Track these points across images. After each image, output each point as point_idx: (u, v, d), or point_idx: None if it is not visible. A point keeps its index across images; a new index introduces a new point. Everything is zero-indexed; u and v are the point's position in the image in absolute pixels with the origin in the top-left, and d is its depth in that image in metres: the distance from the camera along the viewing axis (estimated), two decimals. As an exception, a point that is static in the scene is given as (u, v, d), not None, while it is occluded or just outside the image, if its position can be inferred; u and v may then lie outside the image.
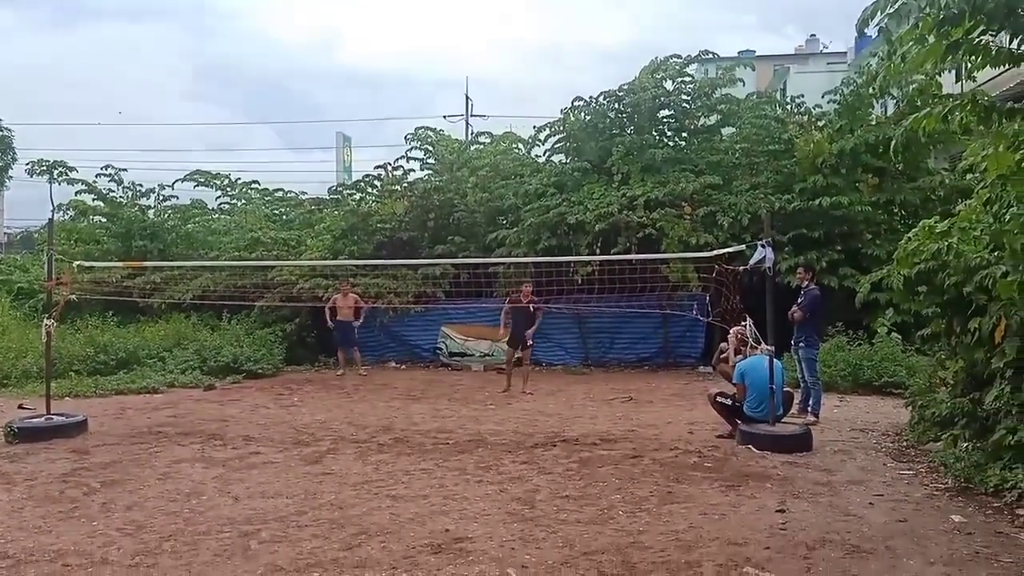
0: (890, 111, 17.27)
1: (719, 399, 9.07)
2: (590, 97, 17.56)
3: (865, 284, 9.24)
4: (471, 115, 39.98)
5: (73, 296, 10.91)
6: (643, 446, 8.56)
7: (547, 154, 18.91)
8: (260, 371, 15.22)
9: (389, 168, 20.05)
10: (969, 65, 5.53)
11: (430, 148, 21.35)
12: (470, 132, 34.47)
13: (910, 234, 7.69)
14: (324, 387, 14.04)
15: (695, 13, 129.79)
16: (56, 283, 10.23)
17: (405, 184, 19.35)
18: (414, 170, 20.45)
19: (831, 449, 8.34)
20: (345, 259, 16.71)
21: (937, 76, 7.43)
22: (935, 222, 7.50)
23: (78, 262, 11.98)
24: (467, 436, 9.31)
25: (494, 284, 16.38)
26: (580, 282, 15.07)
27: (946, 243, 7.05)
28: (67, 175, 20.60)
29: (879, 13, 5.09)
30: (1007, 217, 5.99)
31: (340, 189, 21.75)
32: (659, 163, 16.26)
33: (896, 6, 5.04)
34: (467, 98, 40.42)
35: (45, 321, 9.82)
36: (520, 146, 20.87)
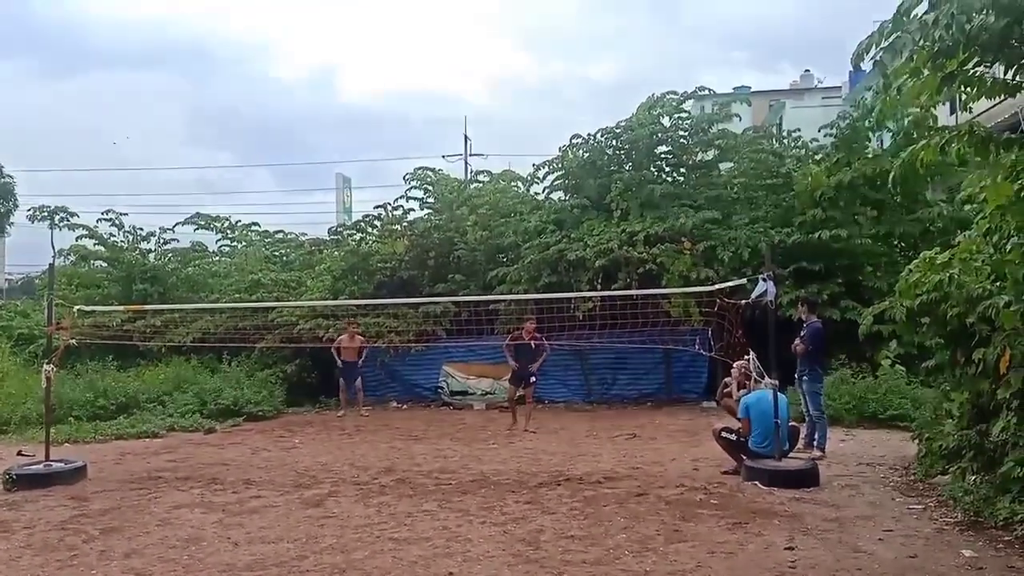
0: (886, 144, 17.39)
1: (724, 434, 8.99)
2: (588, 134, 17.71)
3: (868, 316, 9.20)
4: (470, 154, 40.31)
5: (73, 341, 10.87)
6: (648, 484, 8.47)
7: (546, 191, 19.02)
8: (261, 413, 15.11)
9: (389, 208, 20.15)
10: (964, 96, 5.56)
11: (429, 187, 21.45)
12: (469, 171, 34.70)
13: (911, 265, 7.68)
14: (325, 428, 13.94)
15: (689, 49, 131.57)
16: (56, 328, 10.20)
17: (405, 223, 19.42)
18: (414, 209, 20.56)
19: (838, 484, 8.24)
20: (345, 299, 16.71)
21: (932, 108, 7.49)
22: (936, 253, 7.50)
23: (79, 306, 11.98)
24: (470, 476, 9.21)
25: (495, 322, 16.34)
26: (581, 318, 15.03)
27: (947, 274, 7.03)
28: (68, 220, 20.70)
29: (874, 47, 5.12)
30: (1008, 247, 5.98)
31: (340, 229, 21.83)
32: (658, 199, 16.32)
33: (891, 40, 5.07)
34: (466, 137, 40.80)
35: (45, 366, 9.77)
36: (519, 184, 20.98)
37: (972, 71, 5.31)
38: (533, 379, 13.44)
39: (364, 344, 15.79)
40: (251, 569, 5.77)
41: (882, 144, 17.82)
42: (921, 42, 5.04)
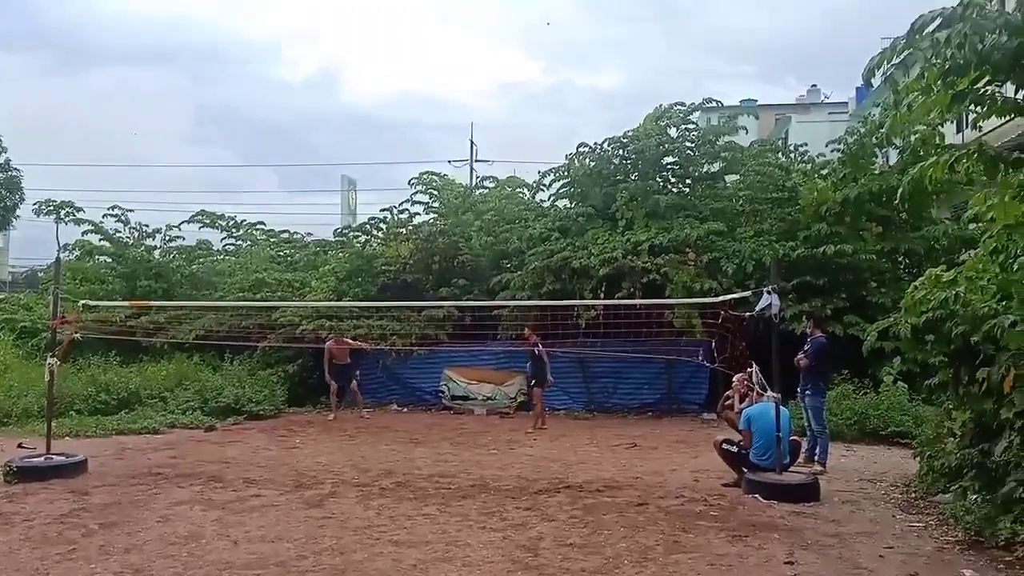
0: (892, 161, 17.41)
1: (725, 446, 8.98)
2: (595, 143, 17.75)
3: (872, 332, 9.22)
4: (476, 160, 40.38)
5: (78, 335, 10.89)
6: (648, 493, 8.46)
7: (552, 199, 19.07)
8: (261, 412, 15.12)
9: (394, 211, 20.23)
10: (974, 115, 5.58)
11: (435, 192, 21.55)
12: (475, 177, 34.77)
13: (917, 282, 7.67)
14: (326, 429, 13.94)
15: (696, 61, 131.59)
16: (61, 322, 10.22)
17: (410, 227, 19.46)
18: (419, 214, 20.65)
19: (839, 499, 8.23)
20: (349, 301, 16.73)
21: (940, 126, 7.51)
22: (941, 271, 7.50)
23: (83, 301, 11.98)
24: (470, 481, 9.20)
25: (498, 327, 16.35)
26: (584, 326, 15.06)
27: (953, 292, 7.03)
28: (74, 215, 20.78)
29: (885, 63, 5.15)
30: (1015, 267, 5.99)
31: (345, 231, 21.88)
32: (663, 209, 16.34)
33: (902, 56, 5.10)
34: (472, 143, 40.86)
35: (49, 359, 9.79)
36: (524, 190, 21.06)
37: (983, 90, 5.34)
38: (532, 382, 13.95)
39: (352, 345, 15.71)
40: (250, 568, 5.77)
41: (888, 161, 17.84)
42: (933, 60, 5.07)
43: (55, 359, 9.81)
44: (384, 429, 14.00)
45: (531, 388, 13.76)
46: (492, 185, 22.68)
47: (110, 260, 20.98)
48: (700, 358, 13.86)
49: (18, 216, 29.80)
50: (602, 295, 15.91)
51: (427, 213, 20.87)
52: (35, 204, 21.63)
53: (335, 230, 22.53)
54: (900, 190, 6.49)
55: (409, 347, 16.64)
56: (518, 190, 21.38)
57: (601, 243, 15.93)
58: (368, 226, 20.69)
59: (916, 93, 5.52)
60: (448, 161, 39.99)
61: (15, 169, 29.05)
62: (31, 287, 27.52)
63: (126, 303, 16.48)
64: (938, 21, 4.97)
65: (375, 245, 19.50)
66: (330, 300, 17.07)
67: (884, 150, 16.78)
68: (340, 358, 15.54)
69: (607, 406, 16.31)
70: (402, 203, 20.66)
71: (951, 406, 8.38)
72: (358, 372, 16.01)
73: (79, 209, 20.92)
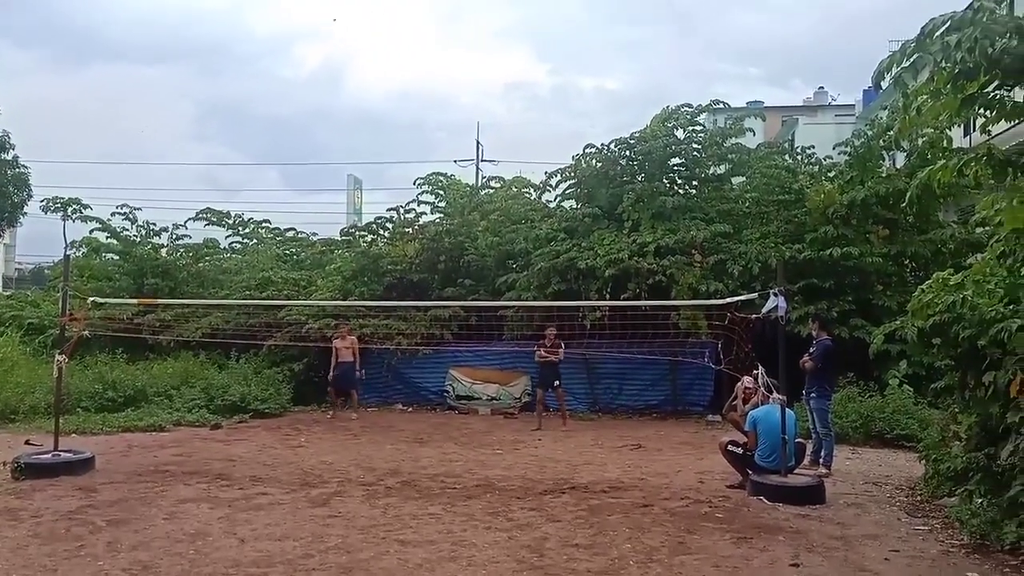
0: (899, 164, 17.39)
1: (730, 447, 8.98)
2: (602, 144, 17.73)
3: (879, 335, 9.20)
4: (482, 160, 40.41)
5: (85, 332, 10.93)
6: (653, 495, 8.47)
7: (558, 200, 19.03)
8: (267, 411, 15.16)
9: (401, 211, 20.24)
10: (983, 119, 5.58)
11: (441, 192, 21.56)
12: (481, 177, 34.78)
13: (924, 286, 7.67)
14: (331, 428, 13.97)
15: (703, 63, 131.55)
16: (70, 319, 10.26)
17: (416, 227, 19.47)
18: (425, 213, 20.66)
19: (844, 502, 8.23)
20: (355, 300, 16.75)
21: (948, 129, 7.51)
22: (949, 274, 7.50)
23: (92, 298, 12.03)
24: (475, 481, 9.22)
25: (503, 328, 16.36)
26: (589, 327, 15.06)
27: (960, 295, 7.03)
28: (81, 212, 20.82)
29: (895, 66, 5.16)
30: (1022, 271, 5.98)
31: (351, 231, 21.90)
32: (670, 210, 16.32)
33: (912, 60, 5.10)
34: (478, 143, 40.97)
35: (57, 356, 9.83)
36: (530, 191, 21.04)
37: (992, 94, 5.34)
38: (558, 383, 14.32)
39: (355, 346, 15.75)
40: (257, 566, 5.80)
41: (895, 164, 17.81)
42: (943, 63, 5.07)
43: (63, 356, 9.85)
44: (389, 428, 14.03)
45: (557, 388, 14.28)
46: (498, 185, 22.67)
47: (117, 258, 21.03)
48: (706, 359, 13.87)
49: (25, 213, 29.77)
50: (608, 296, 15.89)
51: (433, 213, 20.92)
52: (43, 201, 21.65)
53: (341, 229, 22.56)
54: (908, 193, 6.49)
55: (414, 347, 16.66)
56: (524, 190, 21.37)
57: (607, 244, 15.92)
58: (374, 225, 20.71)
59: (925, 96, 5.53)
60: (454, 161, 40.06)
61: (23, 166, 29.03)
62: (38, 284, 27.62)
63: (133, 301, 16.51)
64: (948, 24, 4.97)
65: (381, 244, 19.52)
66: (336, 299, 17.08)
67: (891, 153, 16.77)
68: (343, 355, 15.58)
69: (612, 407, 16.32)
70: (408, 203, 20.68)
71: (957, 410, 8.37)
72: (362, 371, 16.04)
73: (86, 206, 20.96)
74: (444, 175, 22.50)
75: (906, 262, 15.49)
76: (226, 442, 12.08)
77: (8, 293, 26.78)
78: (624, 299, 15.06)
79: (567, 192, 18.58)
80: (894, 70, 5.28)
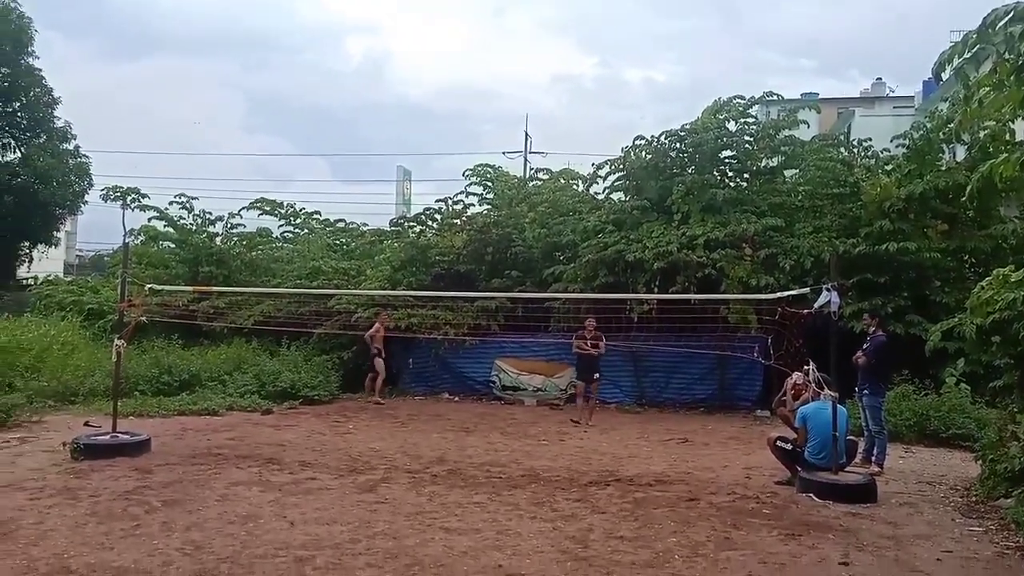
0: (959, 157, 16.92)
1: (779, 443, 8.87)
2: (652, 136, 17.60)
3: (936, 332, 9.02)
4: (530, 151, 40.33)
5: (143, 318, 11.22)
6: (699, 489, 8.41)
7: (606, 192, 18.93)
8: (316, 397, 15.40)
9: (449, 202, 20.36)
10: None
11: (489, 184, 21.64)
12: (529, 169, 34.75)
13: (983, 282, 7.48)
14: (379, 415, 14.14)
15: (753, 55, 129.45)
16: (128, 305, 10.54)
17: (464, 218, 19.57)
18: (473, 205, 20.77)
19: (896, 501, 8.07)
20: (403, 289, 16.91)
21: (1010, 122, 7.30)
22: (1010, 271, 7.30)
23: (149, 285, 12.34)
24: (520, 471, 9.26)
25: (550, 319, 16.36)
26: (636, 320, 14.99)
27: (1021, 293, 6.84)
28: (139, 201, 21.39)
29: (956, 57, 5.02)
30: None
31: (400, 221, 22.10)
32: (720, 203, 16.14)
33: (974, 51, 4.97)
34: (526, 134, 40.81)
35: (116, 341, 10.10)
36: (578, 183, 20.98)
37: (1058, 85, 5.17)
38: (597, 376, 13.85)
39: (379, 331, 16.03)
40: (306, 548, 5.91)
41: (954, 157, 17.33)
42: (1006, 54, 4.93)
43: (122, 341, 10.12)
44: (436, 417, 14.15)
45: (594, 380, 13.97)
46: (546, 177, 22.66)
47: (173, 246, 21.57)
48: (755, 354, 13.69)
49: (87, 201, 30.64)
50: (656, 289, 15.80)
51: (481, 204, 21.01)
52: (103, 190, 22.32)
53: (390, 220, 22.84)
54: (968, 187, 6.32)
55: (461, 336, 16.76)
56: (572, 182, 21.33)
57: (656, 237, 15.80)
58: (423, 216, 20.89)
59: (988, 88, 5.37)
60: (502, 152, 40.20)
61: (84, 155, 29.86)
62: (98, 270, 28.40)
63: (189, 288, 16.90)
64: (1011, 15, 4.82)
65: (429, 235, 19.68)
66: (385, 289, 17.27)
67: (951, 146, 16.33)
68: (376, 341, 15.80)
69: (659, 401, 16.21)
70: (456, 194, 20.81)
71: (1016, 409, 8.16)
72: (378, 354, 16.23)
73: (144, 195, 21.56)
74: (492, 167, 22.59)
75: (965, 258, 15.10)
76: (277, 427, 12.30)
77: (69, 279, 27.57)
78: (673, 292, 14.95)
79: (616, 184, 18.48)
80: (955, 61, 5.14)
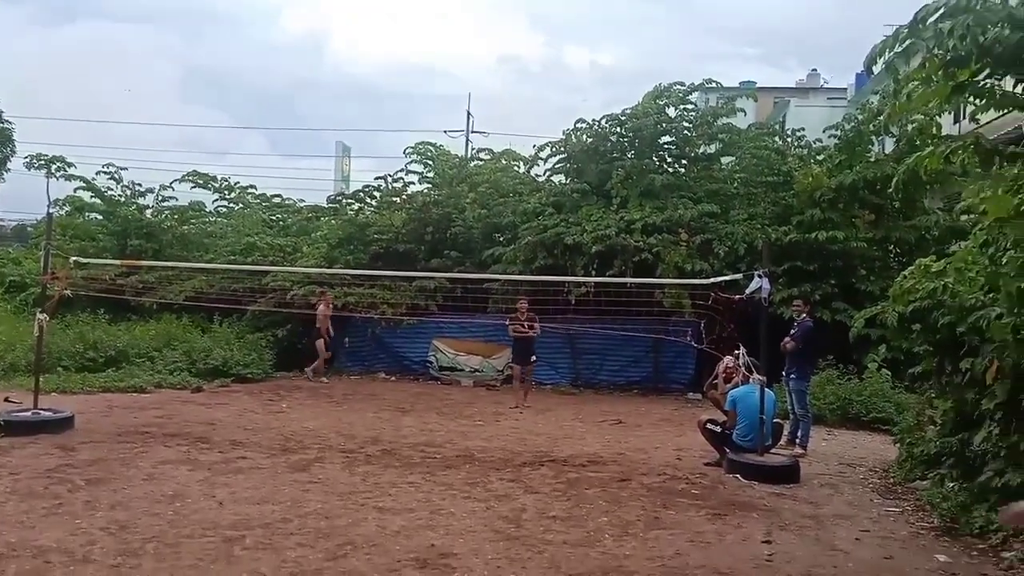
0: (887, 149, 17.42)
1: (708, 425, 9.07)
2: (593, 119, 17.66)
3: (860, 319, 9.30)
4: (472, 131, 40.03)
5: (67, 292, 10.84)
6: (631, 470, 8.55)
7: (547, 174, 18.97)
8: (249, 375, 15.17)
9: (389, 180, 20.13)
10: (973, 107, 5.59)
11: (430, 162, 21.45)
12: (470, 148, 34.53)
13: (906, 272, 7.74)
14: (313, 394, 13.99)
15: (697, 41, 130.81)
16: (51, 278, 10.19)
17: (404, 196, 19.39)
18: (413, 183, 20.56)
19: (818, 482, 8.34)
20: (340, 268, 16.71)
21: (937, 117, 7.52)
22: (931, 261, 7.56)
23: (74, 257, 11.94)
24: (455, 451, 9.27)
25: (488, 300, 16.37)
26: (574, 303, 15.11)
27: (942, 283, 7.10)
28: (65, 170, 20.60)
29: (887, 52, 5.14)
30: (1004, 260, 6.03)
31: (339, 198, 21.78)
32: (658, 188, 16.33)
33: (904, 45, 5.09)
34: (468, 114, 40.38)
35: (39, 315, 9.77)
36: (520, 164, 20.95)
37: (983, 82, 5.34)
38: (534, 358, 13.82)
39: (324, 311, 15.93)
40: (235, 528, 5.82)
41: (883, 149, 17.84)
42: (935, 49, 5.06)
43: (45, 315, 9.79)
44: (371, 397, 14.06)
45: (532, 363, 13.86)
46: (487, 157, 22.56)
47: (101, 217, 20.88)
48: (689, 338, 13.94)
49: (9, 169, 29.36)
50: (594, 272, 15.93)
51: (421, 183, 20.81)
52: (26, 158, 21.40)
53: (328, 196, 22.48)
54: (895, 179, 6.51)
55: (399, 316, 16.66)
56: (513, 163, 21.30)
57: (595, 220, 15.91)
58: (362, 194, 20.62)
59: (916, 82, 5.52)
60: (444, 131, 39.51)
61: (7, 121, 28.57)
62: (20, 241, 27.34)
63: (116, 262, 16.41)
64: (942, 11, 4.95)
65: (368, 213, 19.47)
66: (321, 267, 17.04)
67: (881, 138, 16.79)
68: (322, 321, 15.66)
69: (594, 382, 16.42)
70: (397, 172, 20.56)
71: (933, 395, 8.50)
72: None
73: (70, 164, 20.74)
74: (433, 145, 22.38)
75: (890, 247, 15.60)
76: (207, 405, 12.07)
77: (-11, 250, 26.49)
78: (610, 276, 15.10)
79: (556, 166, 18.52)
80: (887, 55, 5.26)
